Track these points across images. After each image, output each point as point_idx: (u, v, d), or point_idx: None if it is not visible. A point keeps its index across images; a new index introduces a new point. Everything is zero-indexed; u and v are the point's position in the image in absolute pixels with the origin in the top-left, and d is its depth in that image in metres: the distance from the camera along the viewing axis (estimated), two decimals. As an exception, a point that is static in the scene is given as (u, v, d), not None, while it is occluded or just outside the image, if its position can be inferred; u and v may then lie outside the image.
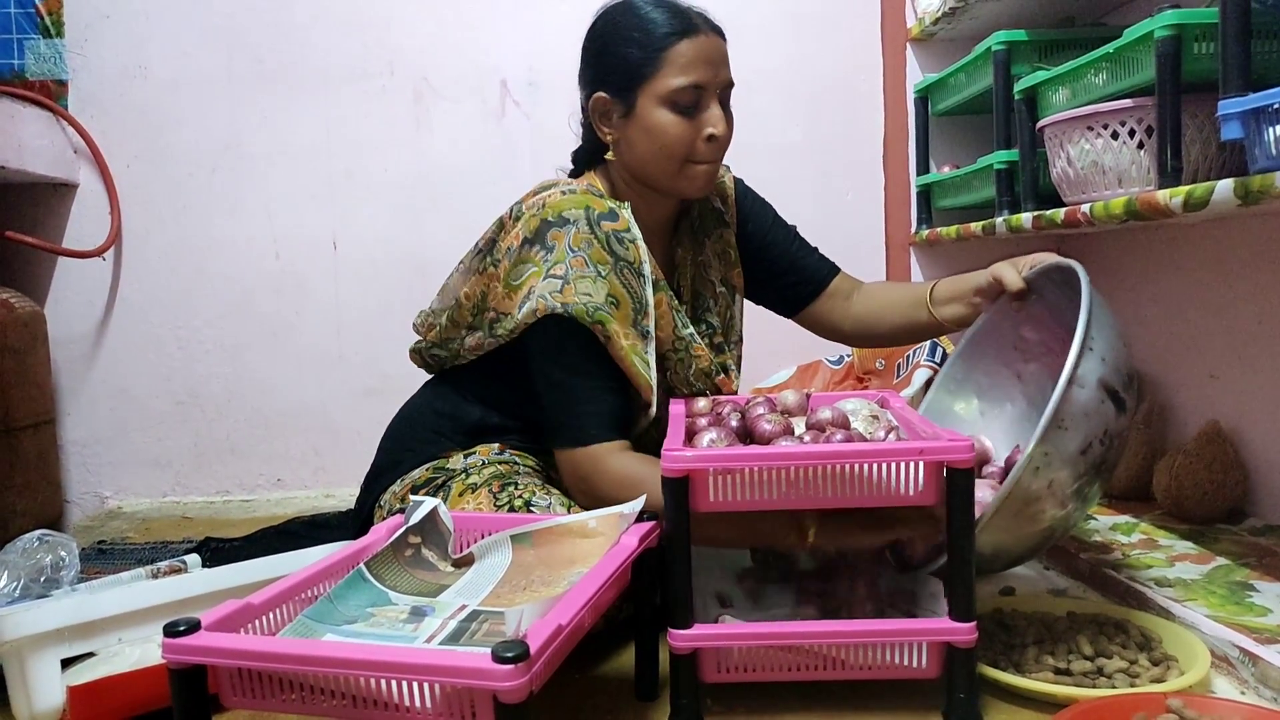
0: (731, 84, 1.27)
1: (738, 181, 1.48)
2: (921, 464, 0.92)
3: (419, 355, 1.44)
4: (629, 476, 1.15)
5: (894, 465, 0.93)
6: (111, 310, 2.13)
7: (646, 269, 1.24)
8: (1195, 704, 0.89)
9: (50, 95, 2.06)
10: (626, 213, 1.26)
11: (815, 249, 1.49)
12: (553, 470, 1.32)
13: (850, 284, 1.47)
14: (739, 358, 1.45)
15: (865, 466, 0.93)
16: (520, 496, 1.20)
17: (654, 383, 1.22)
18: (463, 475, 1.27)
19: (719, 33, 1.26)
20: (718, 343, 1.40)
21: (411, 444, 1.35)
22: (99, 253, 2.08)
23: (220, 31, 2.11)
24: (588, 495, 1.19)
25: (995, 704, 0.98)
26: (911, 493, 0.93)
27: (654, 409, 1.23)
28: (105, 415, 2.14)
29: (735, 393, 1.37)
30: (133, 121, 2.10)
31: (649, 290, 1.24)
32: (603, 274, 1.20)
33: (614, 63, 1.24)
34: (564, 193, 1.25)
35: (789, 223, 1.49)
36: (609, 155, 1.31)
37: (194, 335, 2.15)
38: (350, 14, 2.12)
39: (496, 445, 1.32)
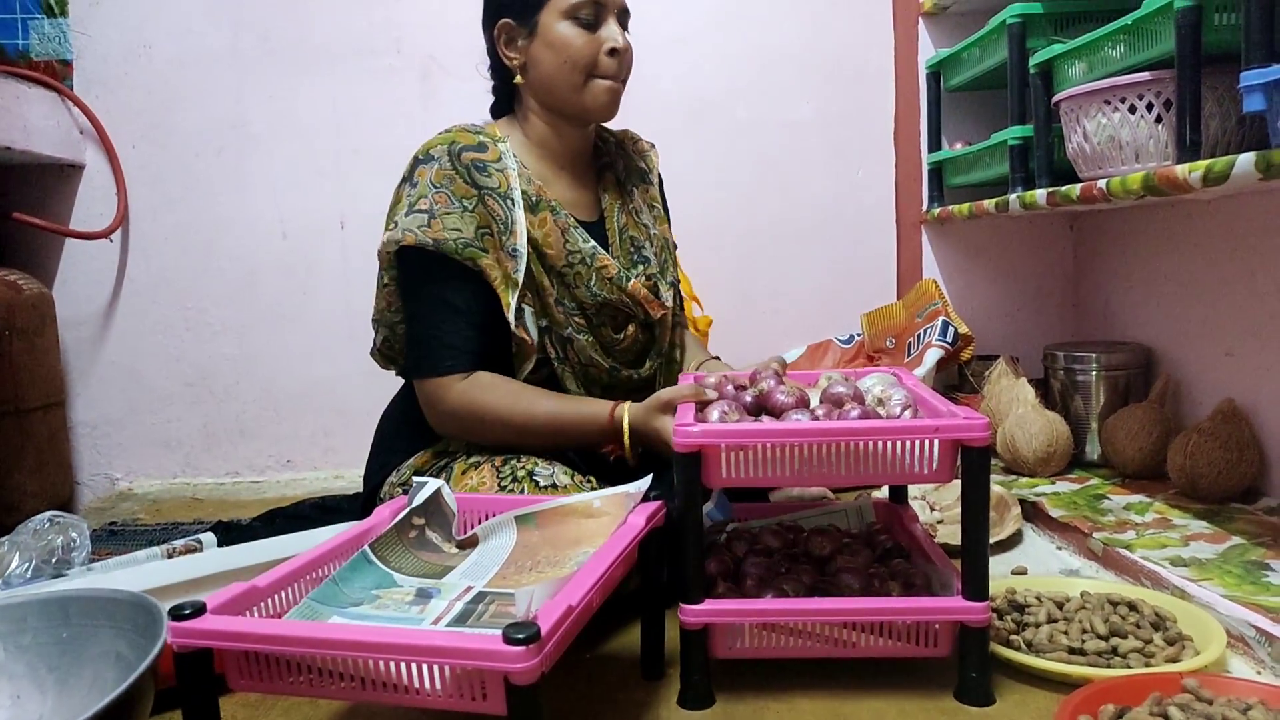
0: (628, 11, 1.33)
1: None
2: (937, 442, 0.91)
3: (378, 353, 1.41)
4: (466, 406, 1.23)
5: (910, 443, 0.92)
6: (119, 291, 2.13)
7: (516, 194, 1.27)
8: (1211, 684, 0.88)
9: (55, 75, 2.05)
10: (503, 146, 1.30)
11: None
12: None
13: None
14: (675, 299, 1.47)
15: (881, 443, 0.92)
16: (523, 467, 1.21)
17: (513, 302, 1.25)
18: (464, 455, 1.28)
19: None
20: (651, 274, 1.40)
21: (390, 454, 1.36)
22: (106, 234, 2.07)
23: (224, 7, 2.09)
24: (435, 424, 1.28)
25: (1008, 684, 0.98)
26: (926, 470, 0.92)
27: (512, 323, 1.25)
28: (115, 396, 2.14)
29: (665, 310, 1.40)
30: (138, 101, 2.09)
31: (518, 211, 1.26)
32: (469, 208, 1.24)
33: None
34: (442, 132, 1.31)
35: None
36: (518, 79, 1.33)
37: (202, 316, 2.15)
38: (355, -9, 2.10)
39: None
